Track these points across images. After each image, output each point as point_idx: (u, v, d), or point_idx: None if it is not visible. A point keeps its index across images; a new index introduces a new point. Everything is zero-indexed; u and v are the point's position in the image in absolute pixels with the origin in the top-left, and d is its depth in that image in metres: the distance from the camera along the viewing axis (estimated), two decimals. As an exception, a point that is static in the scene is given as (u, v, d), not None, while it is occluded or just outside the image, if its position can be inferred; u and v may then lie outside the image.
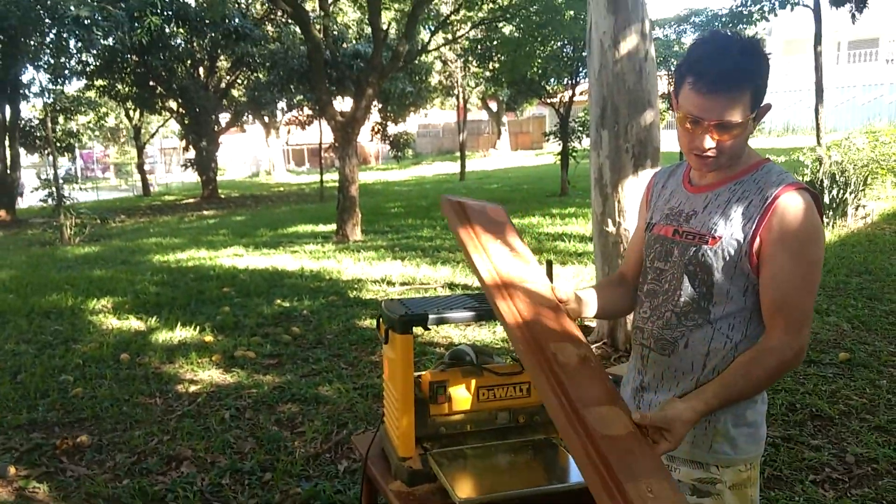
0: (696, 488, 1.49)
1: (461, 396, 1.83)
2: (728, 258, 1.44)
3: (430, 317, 1.78)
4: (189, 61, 22.10)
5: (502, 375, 1.85)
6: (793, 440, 3.29)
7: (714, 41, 1.39)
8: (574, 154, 16.10)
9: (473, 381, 1.83)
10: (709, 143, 1.41)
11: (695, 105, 1.39)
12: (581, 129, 16.06)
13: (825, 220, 8.98)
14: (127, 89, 22.19)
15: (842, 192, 9.23)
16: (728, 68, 1.35)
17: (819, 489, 2.87)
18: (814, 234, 1.39)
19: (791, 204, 1.39)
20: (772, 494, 2.81)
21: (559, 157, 16.39)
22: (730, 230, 1.44)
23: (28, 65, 18.67)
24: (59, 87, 20.99)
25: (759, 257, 1.42)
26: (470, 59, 18.41)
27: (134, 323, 5.98)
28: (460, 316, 1.82)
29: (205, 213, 18.83)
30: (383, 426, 1.99)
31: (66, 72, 20.03)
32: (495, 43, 15.64)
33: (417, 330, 1.86)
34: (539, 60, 14.79)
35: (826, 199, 9.23)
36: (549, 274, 2.05)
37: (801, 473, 2.99)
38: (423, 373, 1.88)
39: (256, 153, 39.94)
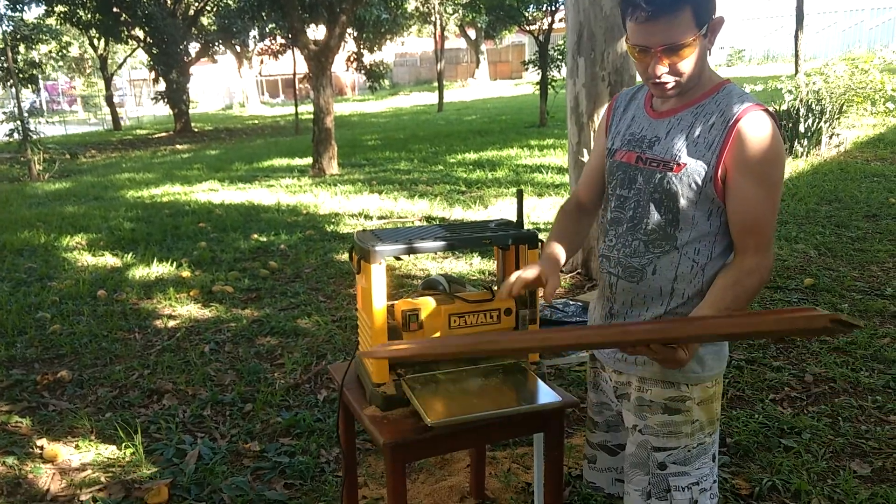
0: (668, 406, 1.56)
1: (433, 324, 1.86)
2: (693, 184, 1.45)
3: (400, 246, 1.80)
4: (154, -14, 21.12)
5: (473, 303, 1.89)
6: (756, 362, 3.42)
7: None
8: (553, 84, 15.89)
9: (445, 309, 1.86)
10: (661, 69, 1.41)
11: (638, 34, 1.39)
12: (560, 57, 15.79)
13: (799, 147, 9.07)
14: (89, 16, 21.24)
15: (817, 120, 9.27)
16: None
17: (778, 407, 3.01)
18: (776, 156, 1.42)
19: (752, 126, 1.40)
20: (733, 413, 2.94)
21: (538, 86, 16.17)
22: (694, 156, 1.45)
23: (-18, -9, 17.77)
24: (17, 13, 20.05)
25: (723, 182, 1.44)
26: (447, -16, 17.81)
27: (110, 259, 5.94)
28: (430, 245, 1.84)
29: (178, 147, 18.44)
30: (358, 354, 2.04)
31: (24, -3, 19.10)
32: (472, -33, 15.12)
33: (394, 262, 1.88)
34: (517, -15, 14.38)
35: (801, 129, 9.27)
36: (520, 202, 2.07)
37: (762, 393, 3.13)
38: (396, 302, 1.92)
39: (229, 84, 38.84)
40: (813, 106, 9.37)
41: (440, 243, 1.86)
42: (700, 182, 1.45)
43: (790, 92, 9.68)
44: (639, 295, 1.57)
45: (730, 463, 2.61)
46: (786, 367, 3.36)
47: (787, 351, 3.55)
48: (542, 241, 1.96)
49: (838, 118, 9.67)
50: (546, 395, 1.79)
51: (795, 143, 9.26)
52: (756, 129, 1.40)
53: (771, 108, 7.36)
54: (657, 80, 1.44)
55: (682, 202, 1.47)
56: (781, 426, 2.84)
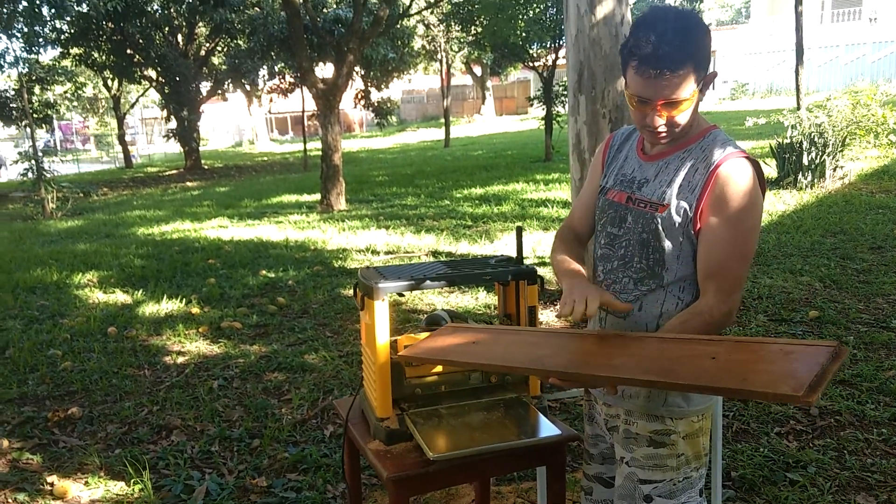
0: (653, 439, 1.59)
1: (436, 360, 1.90)
2: (676, 225, 1.50)
3: (403, 283, 1.85)
4: (167, 28, 21.69)
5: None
6: (761, 395, 3.42)
7: (652, 22, 1.42)
8: (558, 119, 16.09)
9: (447, 345, 1.90)
10: (658, 121, 1.47)
11: (641, 87, 1.44)
12: (565, 93, 16.02)
13: (803, 180, 9.12)
14: (103, 57, 21.77)
15: (820, 153, 9.34)
16: (666, 52, 1.38)
17: (783, 440, 3.01)
18: (749, 202, 1.45)
19: (730, 172, 1.45)
20: (738, 446, 2.94)
21: (543, 122, 16.37)
22: (677, 198, 1.50)
23: (1, 34, 18.27)
24: (33, 56, 20.58)
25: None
26: (452, 22, 18.20)
27: (120, 296, 6.02)
28: (432, 283, 1.89)
29: (188, 184, 18.70)
30: (363, 390, 2.08)
31: (41, 40, 19.64)
32: (477, 6, 15.46)
33: (400, 297, 1.93)
34: (521, 24, 14.68)
35: (805, 161, 9.34)
36: (519, 239, 2.12)
37: (767, 426, 3.13)
38: (399, 337, 1.96)
39: (239, 122, 39.47)
40: (816, 139, 9.45)
41: (442, 280, 1.92)
42: (681, 223, 1.50)
43: (793, 126, 9.77)
44: (626, 330, 1.61)
45: (735, 497, 2.61)
46: (791, 400, 3.35)
47: (792, 384, 3.55)
48: (541, 276, 2.01)
49: (842, 151, 9.74)
50: (547, 428, 1.82)
51: (799, 176, 9.32)
52: (734, 175, 1.45)
53: (772, 143, 7.29)
54: (652, 130, 1.50)
55: (667, 243, 1.52)
56: (787, 460, 2.84)
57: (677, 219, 1.50)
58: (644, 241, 1.56)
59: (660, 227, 1.52)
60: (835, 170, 9.59)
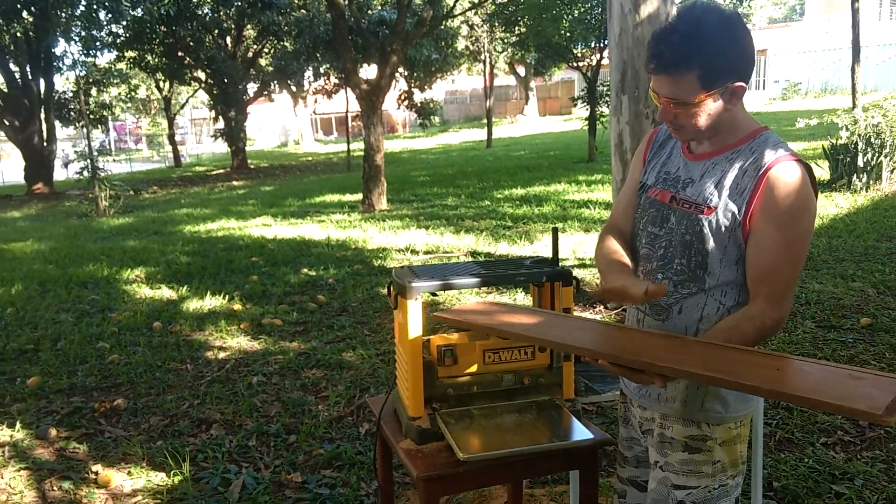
0: (688, 445, 1.55)
1: (468, 359, 1.89)
2: (723, 229, 1.46)
3: (436, 283, 1.85)
4: (216, 31, 22.21)
5: (508, 339, 1.92)
6: (807, 404, 3.31)
7: (674, 20, 1.41)
8: (602, 119, 15.90)
9: (479, 345, 1.89)
10: (665, 115, 1.46)
11: (652, 81, 1.46)
12: (609, 93, 15.84)
13: (857, 182, 8.80)
14: (156, 60, 22.45)
15: (877, 154, 9.00)
16: (666, 52, 1.38)
17: (830, 451, 2.90)
18: (802, 206, 1.40)
19: (782, 175, 1.40)
20: (781, 456, 2.85)
21: (587, 122, 16.21)
22: (724, 201, 1.46)
23: (60, 37, 18.99)
24: (90, 59, 21.34)
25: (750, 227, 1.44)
26: (496, 22, 18.16)
27: (166, 292, 6.18)
28: (464, 282, 1.88)
29: (234, 183, 19.10)
30: (396, 388, 2.08)
31: (97, 43, 20.37)
32: (521, 6, 15.39)
33: (437, 297, 1.93)
34: (566, 23, 14.56)
35: (860, 162, 9.01)
36: (555, 240, 2.10)
37: (813, 436, 3.02)
38: (432, 336, 1.96)
39: (285, 122, 40.15)
40: (872, 140, 9.11)
41: (475, 280, 1.90)
42: (729, 227, 1.45)
43: (846, 127, 9.44)
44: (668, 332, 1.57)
45: (777, 508, 2.53)
46: (839, 410, 3.23)
47: (840, 393, 3.42)
48: (577, 278, 1.98)
49: (900, 152, 9.36)
50: (579, 432, 1.79)
51: (854, 178, 9.00)
52: (786, 178, 1.40)
53: (825, 144, 7.06)
54: (668, 125, 1.49)
55: (711, 246, 1.48)
56: (833, 471, 2.74)
57: (725, 222, 1.46)
58: (687, 242, 1.51)
59: (705, 230, 1.48)
60: (892, 172, 9.22)
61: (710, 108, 1.43)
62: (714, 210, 1.47)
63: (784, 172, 1.40)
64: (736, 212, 1.44)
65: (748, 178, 1.44)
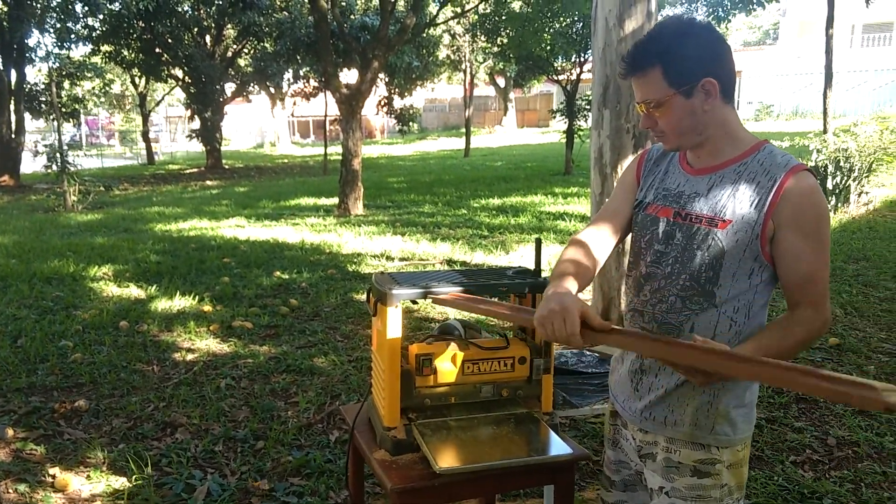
0: (697, 469, 1.52)
1: (446, 369, 1.86)
2: (739, 241, 1.45)
3: (417, 290, 1.81)
4: (195, 29, 21.96)
5: (488, 350, 1.88)
6: (776, 422, 3.34)
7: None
8: (580, 133, 16.03)
9: (459, 355, 1.86)
10: (645, 121, 1.51)
11: (633, 89, 1.52)
12: (587, 107, 15.97)
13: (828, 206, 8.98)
14: (132, 55, 22.10)
15: (845, 178, 9.20)
16: (633, 52, 1.47)
17: (799, 470, 2.92)
18: (824, 214, 1.44)
19: (801, 187, 1.42)
20: (752, 473, 2.86)
21: (565, 135, 16.33)
22: (740, 213, 1.45)
23: (34, 28, 18.59)
24: (64, 51, 20.92)
25: (770, 241, 1.45)
26: (478, 33, 18.24)
27: (134, 291, 6.03)
28: (446, 290, 1.85)
29: (208, 182, 18.84)
30: (371, 397, 2.03)
31: (72, 36, 19.99)
32: (503, 17, 15.48)
33: (414, 305, 1.89)
34: (547, 37, 14.67)
35: (829, 185, 9.20)
36: (538, 251, 2.07)
37: (783, 454, 3.04)
38: (411, 345, 1.92)
39: (262, 124, 39.81)
40: (842, 163, 9.31)
41: (456, 288, 1.87)
42: (746, 240, 1.45)
43: (818, 150, 9.64)
44: None
45: (748, 526, 2.53)
46: (808, 429, 3.27)
47: (809, 412, 3.46)
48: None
49: (867, 176, 9.60)
50: (557, 446, 1.77)
51: (823, 200, 9.18)
52: (804, 188, 1.42)
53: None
54: (653, 133, 1.53)
55: (726, 259, 1.47)
56: (802, 490, 2.75)
57: (741, 234, 1.45)
58: (697, 257, 1.50)
59: (720, 244, 1.47)
60: (860, 195, 9.44)
61: (683, 106, 1.46)
62: (729, 223, 1.46)
63: (801, 183, 1.43)
64: (753, 224, 1.44)
65: (763, 190, 1.44)
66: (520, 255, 7.27)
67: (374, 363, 1.98)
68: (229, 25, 22.46)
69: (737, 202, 1.46)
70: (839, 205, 9.16)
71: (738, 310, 1.48)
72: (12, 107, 18.90)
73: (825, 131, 10.77)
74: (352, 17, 19.26)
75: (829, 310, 1.45)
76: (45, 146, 13.53)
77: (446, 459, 1.66)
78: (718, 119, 1.48)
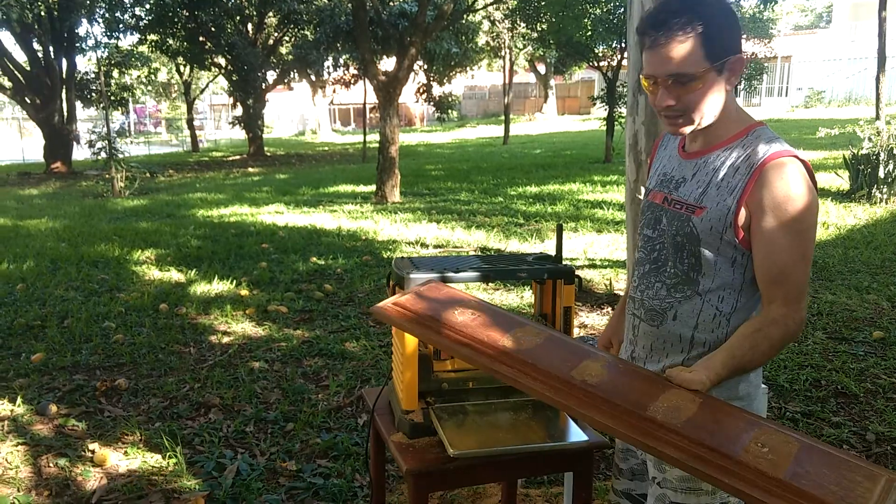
0: None
1: (464, 355, 1.86)
2: (713, 229, 1.40)
3: (435, 275, 1.81)
4: (238, 17, 22.26)
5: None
6: (813, 416, 3.25)
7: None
8: (620, 120, 15.75)
9: (477, 341, 1.86)
10: (665, 98, 1.36)
11: (647, 62, 1.36)
12: (627, 94, 15.71)
13: (878, 194, 8.65)
14: (177, 44, 22.51)
15: (898, 166, 8.84)
16: (663, 18, 1.30)
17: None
18: (803, 203, 1.34)
19: (777, 172, 1.34)
20: (784, 468, 2.79)
21: (605, 122, 16.09)
22: (715, 200, 1.40)
23: (83, 18, 19.10)
24: (113, 40, 21.45)
25: (746, 229, 1.38)
26: (517, 19, 18.05)
27: (174, 274, 6.19)
28: (464, 276, 1.85)
29: (250, 169, 19.15)
30: (392, 381, 2.05)
31: (120, 25, 20.46)
32: (543, 3, 15.27)
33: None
34: (587, 22, 14.44)
35: (881, 174, 8.86)
36: (559, 237, 2.05)
37: (818, 449, 2.96)
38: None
39: (303, 111, 40.22)
40: (895, 151, 8.95)
41: (475, 274, 1.87)
42: (720, 227, 1.39)
43: (869, 138, 9.28)
44: (658, 340, 1.52)
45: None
46: (846, 424, 3.17)
47: (848, 406, 3.36)
48: (579, 276, 1.94)
49: (921, 165, 9.19)
50: (575, 434, 1.76)
51: (874, 189, 8.85)
52: (781, 175, 1.34)
53: (846, 153, 6.95)
54: (666, 113, 1.40)
55: (704, 247, 1.42)
56: (836, 486, 2.67)
57: (716, 222, 1.40)
58: (678, 244, 1.46)
59: (696, 231, 1.42)
60: (913, 184, 9.06)
61: (713, 84, 1.36)
62: (705, 210, 1.41)
63: (779, 170, 1.34)
64: (726, 211, 1.38)
65: (739, 176, 1.38)
66: (554, 244, 7.20)
67: (394, 347, 1.99)
68: (270, 13, 22.70)
69: (714, 188, 1.41)
70: (891, 194, 8.82)
71: (724, 299, 1.44)
72: (64, 95, 19.48)
73: (878, 118, 10.34)
74: (390, 3, 19.25)
75: (803, 308, 1.37)
76: (95, 132, 13.95)
77: (461, 443, 1.66)
78: (726, 102, 1.41)
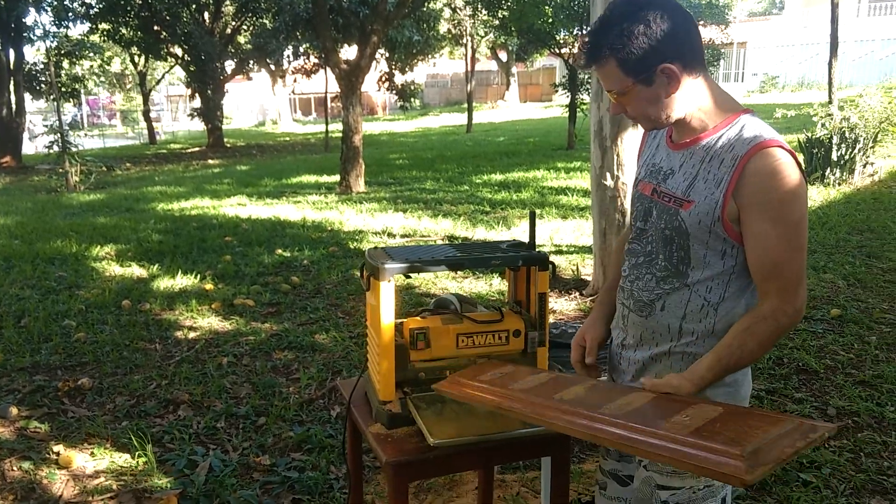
0: None
1: (441, 343, 1.86)
2: (701, 223, 1.40)
3: (409, 265, 1.80)
4: (193, 5, 21.72)
5: (482, 323, 1.88)
6: (777, 393, 3.34)
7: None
8: (582, 107, 15.89)
9: (453, 328, 1.86)
10: (616, 108, 1.48)
11: None
12: (590, 81, 15.82)
13: (831, 176, 8.91)
14: (131, 33, 21.91)
15: (850, 149, 9.11)
16: (586, 44, 1.42)
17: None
18: (791, 194, 1.33)
19: (764, 165, 1.33)
20: (751, 445, 2.87)
21: (567, 109, 16.20)
22: (703, 194, 1.40)
23: (31, 6, 18.42)
24: (62, 29, 20.75)
25: (735, 221, 1.38)
26: (479, 6, 18.01)
27: (136, 270, 6.05)
28: (439, 265, 1.84)
29: (210, 161, 18.80)
30: (367, 371, 2.04)
31: (70, 14, 19.79)
32: (504, -10, 15.29)
33: (411, 280, 1.88)
34: (549, 9, 14.49)
35: (833, 157, 9.12)
36: (532, 224, 2.06)
37: (783, 425, 3.05)
38: (405, 319, 1.91)
39: (263, 102, 39.58)
40: (846, 135, 9.22)
41: (451, 262, 1.86)
42: (709, 221, 1.39)
43: (822, 125, 9.53)
44: (647, 330, 1.53)
45: (745, 496, 2.54)
46: (808, 399, 3.27)
47: (809, 383, 3.47)
48: (553, 263, 1.95)
49: (873, 148, 9.50)
50: (550, 418, 1.77)
51: (828, 172, 9.11)
52: (766, 165, 1.33)
53: (801, 137, 7.12)
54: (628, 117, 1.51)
55: (693, 241, 1.42)
56: (800, 460, 2.76)
57: (703, 216, 1.40)
58: (667, 237, 1.46)
59: (685, 225, 1.43)
60: (865, 167, 9.36)
61: (645, 94, 1.40)
62: (693, 204, 1.41)
63: (764, 160, 1.33)
64: (714, 205, 1.38)
65: (725, 168, 1.37)
66: (521, 231, 7.25)
67: (368, 338, 1.98)
68: (227, 2, 22.23)
69: (700, 181, 1.41)
70: (843, 176, 9.09)
71: (712, 290, 1.44)
72: (12, 87, 18.82)
73: (830, 102, 10.64)
74: (351, -9, 19.02)
75: (801, 298, 1.37)
76: (45, 126, 13.52)
77: (440, 432, 1.66)
78: (689, 97, 1.41)
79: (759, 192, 1.33)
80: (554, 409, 1.43)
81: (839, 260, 5.52)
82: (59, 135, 13.12)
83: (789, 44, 30.09)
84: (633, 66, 1.37)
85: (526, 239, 2.03)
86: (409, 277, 5.27)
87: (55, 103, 15.15)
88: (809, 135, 9.55)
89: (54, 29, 20.30)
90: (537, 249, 1.96)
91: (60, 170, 13.24)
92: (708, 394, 1.46)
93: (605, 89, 1.46)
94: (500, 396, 1.58)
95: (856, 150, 9.13)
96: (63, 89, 21.53)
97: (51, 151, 13.49)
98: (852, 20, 27.01)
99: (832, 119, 9.53)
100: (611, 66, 1.39)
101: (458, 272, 5.57)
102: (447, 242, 6.75)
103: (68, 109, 25.23)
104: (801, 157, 9.73)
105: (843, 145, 9.13)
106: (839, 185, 8.96)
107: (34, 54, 23.78)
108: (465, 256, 1.89)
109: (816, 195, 8.39)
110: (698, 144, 1.45)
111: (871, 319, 4.23)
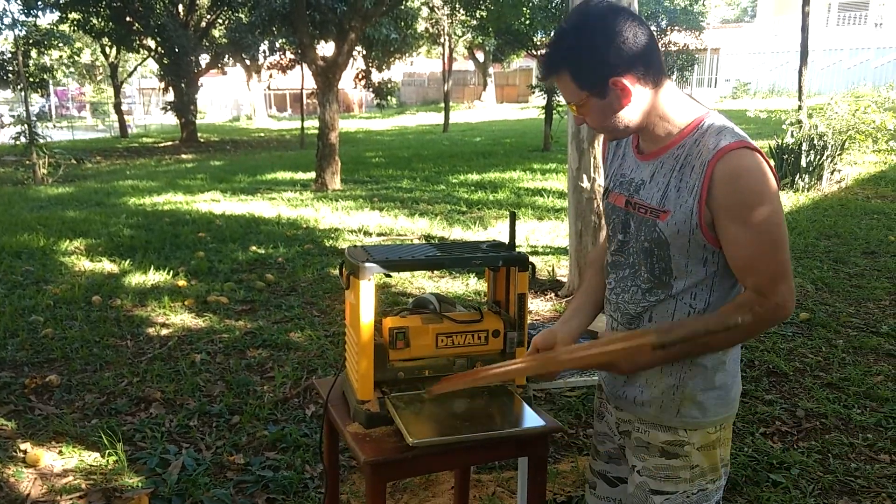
0: (665, 450, 1.52)
1: (420, 342, 1.85)
2: (680, 232, 1.40)
3: (390, 264, 1.80)
4: (167, -2, 21.41)
5: (462, 323, 1.88)
6: (747, 395, 3.40)
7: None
8: (559, 109, 15.98)
9: (433, 328, 1.86)
10: (576, 118, 1.50)
11: None
12: (566, 83, 15.92)
13: (800, 182, 9.09)
14: (102, 24, 21.48)
15: (819, 156, 9.31)
16: (545, 56, 1.44)
17: (768, 441, 2.98)
18: (758, 194, 1.33)
19: (729, 170, 1.33)
20: (723, 445, 2.92)
21: (543, 111, 16.29)
22: (677, 203, 1.40)
23: (-2, -5, 18.00)
24: (31, 18, 20.28)
25: (711, 226, 1.39)
26: (457, 6, 18.03)
27: (107, 265, 5.94)
28: (420, 264, 1.84)
29: (183, 156, 18.53)
30: (345, 370, 2.03)
31: (39, 3, 19.34)
32: (482, -9, 15.32)
33: (390, 279, 1.87)
34: (526, 11, 14.55)
35: (802, 163, 9.31)
36: (512, 224, 2.07)
37: (753, 426, 3.11)
38: (385, 319, 1.91)
39: (238, 97, 39.14)
40: (815, 141, 9.42)
41: (430, 262, 1.86)
42: (687, 230, 1.40)
43: (791, 133, 9.72)
44: None
45: (717, 496, 2.58)
46: (777, 401, 3.34)
47: (779, 384, 3.53)
48: (532, 264, 1.96)
49: (840, 154, 9.72)
50: (530, 419, 1.77)
51: (796, 178, 9.29)
52: (732, 170, 1.34)
53: (771, 143, 7.24)
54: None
55: (673, 251, 1.43)
56: (770, 460, 2.82)
57: (681, 225, 1.40)
58: (647, 249, 1.47)
59: (664, 236, 1.43)
60: (832, 173, 9.57)
61: (600, 106, 1.40)
62: (669, 214, 1.41)
63: (729, 165, 1.33)
64: (690, 213, 1.38)
65: (696, 175, 1.37)
66: (498, 231, 7.28)
67: (347, 337, 1.97)
68: (203, -5, 21.94)
69: (673, 190, 1.41)
70: (812, 182, 9.28)
71: (696, 296, 1.45)
72: (-22, 76, 18.35)
73: (800, 109, 10.85)
74: (329, -13, 18.89)
75: (783, 293, 1.37)
76: (13, 116, 13.20)
77: (419, 432, 1.66)
78: (647, 107, 1.41)
79: (727, 195, 1.34)
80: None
81: (808, 264, 5.64)
82: (26, 126, 12.82)
83: (761, 51, 30.62)
84: (586, 79, 1.38)
85: (505, 239, 2.03)
86: (389, 276, 5.28)
87: (22, 94, 14.80)
88: (780, 141, 9.73)
89: (23, 18, 19.83)
90: (516, 250, 1.97)
91: (28, 162, 12.95)
92: (699, 397, 1.49)
93: (564, 101, 1.47)
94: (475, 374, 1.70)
95: (824, 157, 9.34)
96: (31, 79, 21.03)
97: (18, 143, 13.17)
98: (822, 29, 27.60)
99: (801, 126, 9.73)
100: (566, 79, 1.40)
101: (436, 272, 5.57)
102: (425, 242, 6.75)
103: (36, 100, 24.68)
104: (771, 163, 9.99)
105: (811, 152, 9.33)
106: (808, 190, 9.15)
107: (2, 43, 23.20)
108: (447, 256, 1.89)
109: (786, 200, 8.56)
110: (667, 153, 1.44)
111: (838, 323, 4.32)
